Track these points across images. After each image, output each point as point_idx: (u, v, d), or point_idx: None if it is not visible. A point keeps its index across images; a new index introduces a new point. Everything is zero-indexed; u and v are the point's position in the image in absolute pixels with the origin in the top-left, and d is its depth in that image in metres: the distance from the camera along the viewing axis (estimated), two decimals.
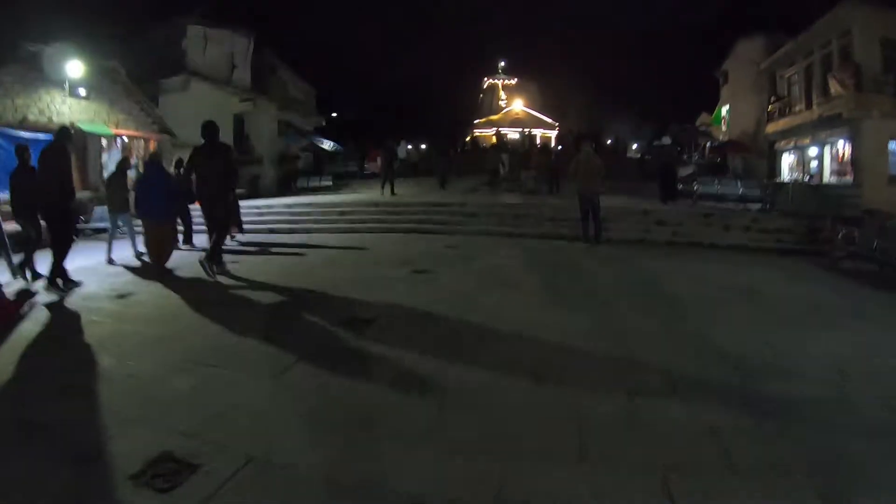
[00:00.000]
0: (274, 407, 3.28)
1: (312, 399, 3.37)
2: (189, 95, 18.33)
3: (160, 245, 7.57)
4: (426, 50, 69.00)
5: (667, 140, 21.69)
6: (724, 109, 29.29)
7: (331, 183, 23.48)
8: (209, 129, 6.91)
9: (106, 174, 16.46)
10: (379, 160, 29.00)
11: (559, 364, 3.98)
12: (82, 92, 14.33)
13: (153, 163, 8.04)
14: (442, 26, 75.99)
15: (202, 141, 6.92)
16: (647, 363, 3.98)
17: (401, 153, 30.92)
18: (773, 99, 24.35)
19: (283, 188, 22.46)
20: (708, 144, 29.75)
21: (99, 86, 14.68)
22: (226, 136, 21.60)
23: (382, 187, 16.24)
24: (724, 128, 29.28)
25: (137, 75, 16.11)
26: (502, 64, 55.18)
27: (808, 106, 21.15)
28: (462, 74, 73.67)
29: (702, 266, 8.13)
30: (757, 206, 13.81)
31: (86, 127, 13.93)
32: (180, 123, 17.73)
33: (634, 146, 43.39)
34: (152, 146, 16.60)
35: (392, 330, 4.71)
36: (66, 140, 6.82)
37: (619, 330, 4.81)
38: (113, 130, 14.95)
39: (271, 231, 12.28)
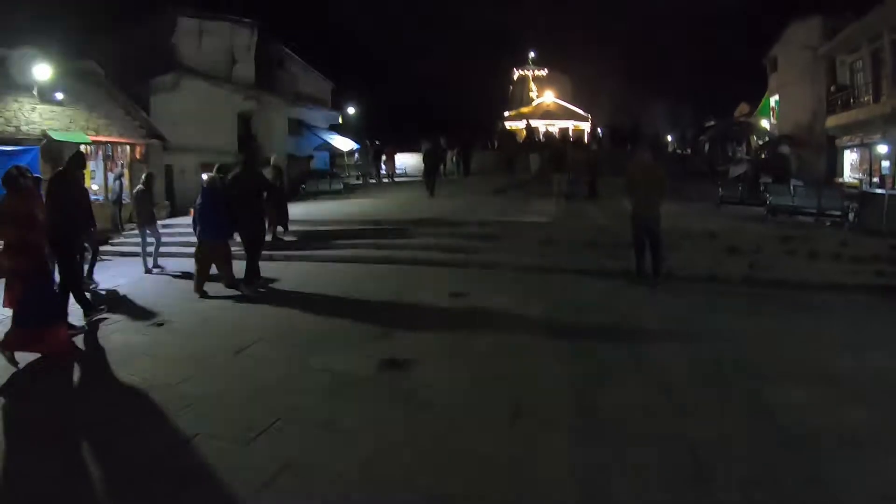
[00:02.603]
0: None
1: None
2: (183, 95, 16.73)
3: (219, 263, 7.76)
4: (454, 40, 66.46)
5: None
6: (773, 100, 26.70)
7: (341, 187, 21.68)
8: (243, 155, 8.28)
9: (93, 183, 15.07)
10: (395, 161, 27.45)
11: None
12: (59, 97, 12.79)
13: (211, 187, 7.92)
14: (470, 15, 73.85)
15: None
16: None
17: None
18: (832, 89, 21.74)
19: (291, 192, 20.72)
20: (755, 139, 27.28)
21: (75, 89, 13.13)
22: (230, 137, 20.12)
23: (431, 194, 16.43)
24: (773, 119, 26.71)
25: (123, 75, 14.51)
26: (532, 54, 52.86)
27: (877, 98, 18.63)
28: (491, 65, 71.41)
29: (806, 337, 5.79)
30: (833, 219, 11.70)
31: (58, 136, 12.34)
32: (175, 125, 16.18)
33: (669, 138, 40.95)
34: (139, 152, 15.03)
35: None
36: (76, 166, 6.32)
37: None
38: (91, 138, 13.35)
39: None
